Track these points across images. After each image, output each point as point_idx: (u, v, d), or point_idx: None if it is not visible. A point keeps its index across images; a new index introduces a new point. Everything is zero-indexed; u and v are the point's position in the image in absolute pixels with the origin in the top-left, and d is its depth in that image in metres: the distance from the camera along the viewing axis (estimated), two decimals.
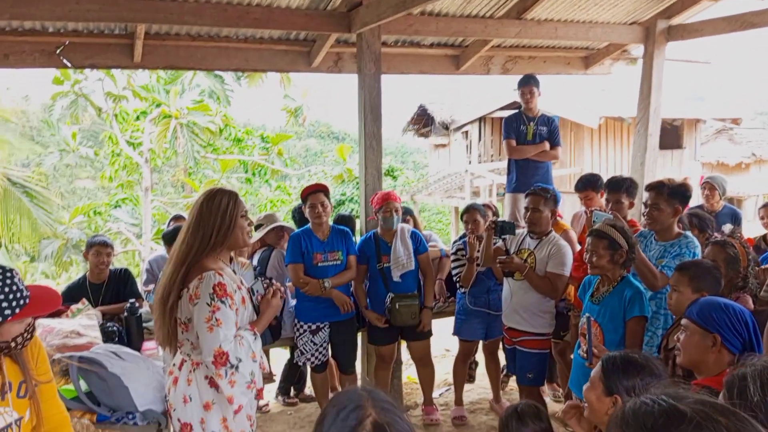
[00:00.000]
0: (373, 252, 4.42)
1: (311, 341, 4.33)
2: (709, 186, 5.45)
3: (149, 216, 14.15)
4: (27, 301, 1.84)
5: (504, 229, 4.13)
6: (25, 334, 1.89)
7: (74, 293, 4.30)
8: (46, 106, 15.28)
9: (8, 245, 12.27)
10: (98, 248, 4.39)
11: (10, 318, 1.80)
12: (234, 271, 2.71)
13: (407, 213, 5.18)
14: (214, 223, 2.49)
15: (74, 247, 13.05)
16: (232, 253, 3.98)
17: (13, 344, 1.86)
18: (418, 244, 4.50)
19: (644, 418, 0.97)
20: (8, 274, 1.82)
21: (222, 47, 5.58)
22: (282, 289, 2.80)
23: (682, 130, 16.82)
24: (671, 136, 16.36)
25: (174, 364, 2.60)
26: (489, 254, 4.16)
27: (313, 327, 4.33)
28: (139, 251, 13.82)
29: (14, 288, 1.81)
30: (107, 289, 4.26)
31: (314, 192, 4.26)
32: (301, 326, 4.35)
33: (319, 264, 4.26)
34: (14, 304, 1.80)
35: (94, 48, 5.16)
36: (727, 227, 5.29)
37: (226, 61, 5.76)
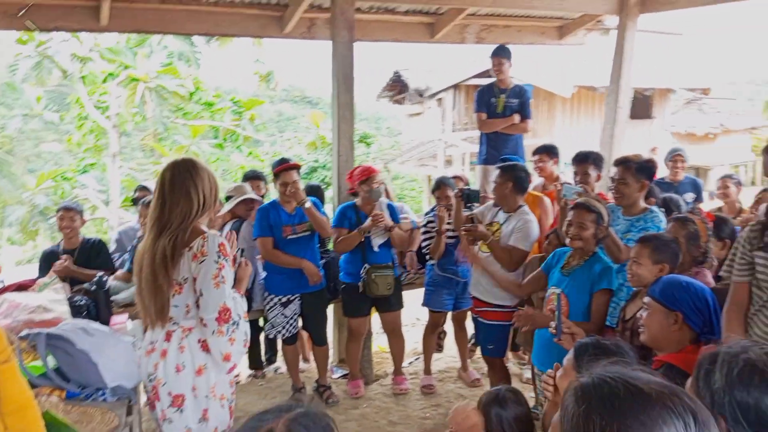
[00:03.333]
0: (354, 223, 4.41)
1: (282, 314, 4.34)
2: (681, 158, 5.57)
3: (117, 182, 13.87)
4: None
5: (470, 197, 4.21)
6: None
7: (49, 257, 4.35)
8: (9, 68, 14.71)
9: None
10: (62, 213, 4.44)
11: None
12: None
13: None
14: (201, 189, 2.54)
15: (41, 214, 12.75)
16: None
17: None
18: (392, 215, 4.55)
19: (610, 397, 0.98)
20: None
21: (192, 11, 5.44)
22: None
23: (652, 100, 16.98)
24: (642, 106, 16.50)
25: (154, 341, 2.57)
26: (460, 220, 4.20)
27: (284, 299, 4.33)
28: (107, 219, 13.58)
29: None
30: (79, 256, 4.24)
31: (287, 170, 4.23)
32: (272, 299, 4.36)
33: (290, 237, 4.25)
34: None
35: (59, 10, 5.00)
36: (689, 196, 5.44)
37: (195, 25, 5.62)
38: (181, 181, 2.55)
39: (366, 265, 4.40)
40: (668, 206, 4.23)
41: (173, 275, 2.51)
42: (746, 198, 5.48)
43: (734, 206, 5.17)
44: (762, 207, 3.51)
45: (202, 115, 15.95)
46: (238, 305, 2.55)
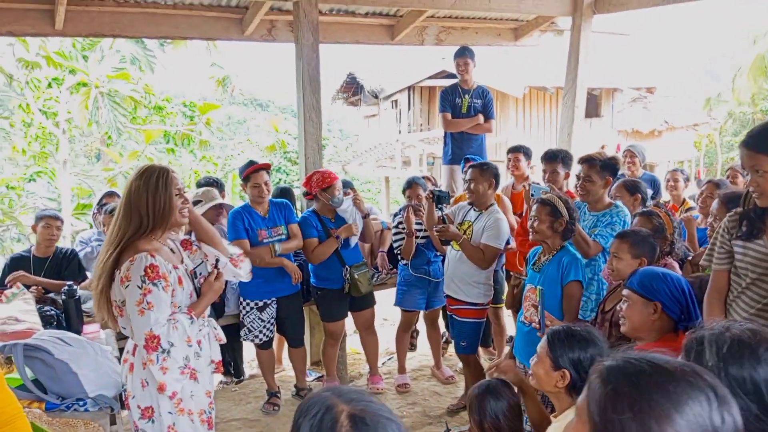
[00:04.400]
0: (321, 230, 4.39)
1: (259, 318, 4.30)
2: (631, 154, 5.73)
3: (68, 190, 13.44)
4: None
5: (440, 198, 4.27)
6: None
7: (17, 263, 4.20)
8: None
9: None
10: (48, 220, 4.27)
11: None
12: (172, 250, 2.59)
13: (348, 186, 5.19)
14: (147, 205, 2.40)
15: None
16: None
17: None
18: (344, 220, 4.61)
19: (636, 375, 1.02)
20: None
21: (149, 13, 5.35)
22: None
23: (600, 99, 17.49)
24: (590, 105, 16.95)
25: (128, 351, 2.55)
26: (432, 221, 4.26)
27: (260, 304, 4.30)
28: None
29: None
30: (50, 265, 4.14)
31: (257, 171, 4.20)
32: (248, 303, 4.32)
33: (265, 240, 4.22)
34: None
35: (12, 14, 4.85)
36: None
37: (154, 28, 5.53)
38: (139, 193, 2.42)
39: (347, 267, 4.41)
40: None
41: (110, 296, 2.44)
42: (688, 193, 5.73)
43: (679, 199, 5.41)
44: (714, 203, 3.64)
45: (152, 119, 15.61)
46: (176, 331, 2.40)
